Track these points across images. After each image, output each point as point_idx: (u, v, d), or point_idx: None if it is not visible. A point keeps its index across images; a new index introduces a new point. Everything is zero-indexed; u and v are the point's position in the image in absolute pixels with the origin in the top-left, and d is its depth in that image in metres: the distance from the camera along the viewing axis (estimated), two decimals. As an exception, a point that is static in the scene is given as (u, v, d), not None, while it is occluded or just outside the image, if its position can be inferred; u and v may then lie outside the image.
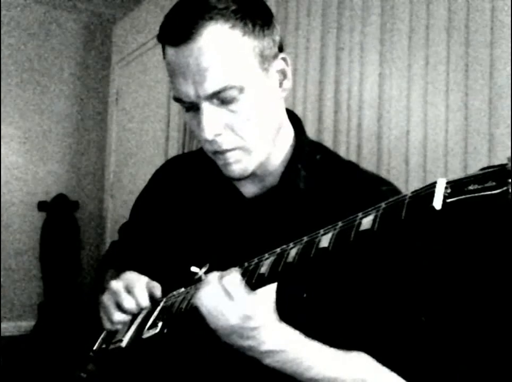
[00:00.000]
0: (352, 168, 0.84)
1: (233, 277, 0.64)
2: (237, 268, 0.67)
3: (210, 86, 0.70)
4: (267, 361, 0.67)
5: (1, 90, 3.78)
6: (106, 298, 0.80)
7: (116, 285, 0.79)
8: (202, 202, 0.88)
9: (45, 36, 4.01)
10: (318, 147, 0.88)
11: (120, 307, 0.78)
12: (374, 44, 2.05)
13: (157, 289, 0.77)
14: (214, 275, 0.66)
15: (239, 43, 0.71)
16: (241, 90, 0.71)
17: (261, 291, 0.64)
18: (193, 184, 0.91)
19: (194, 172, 0.92)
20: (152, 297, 0.78)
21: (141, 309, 0.79)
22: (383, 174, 1.90)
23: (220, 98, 0.71)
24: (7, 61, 3.82)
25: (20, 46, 3.89)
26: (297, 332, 0.69)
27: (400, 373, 0.69)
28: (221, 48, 0.70)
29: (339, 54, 2.20)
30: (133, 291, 0.77)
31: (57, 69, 4.07)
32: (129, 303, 0.77)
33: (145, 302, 0.77)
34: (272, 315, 0.67)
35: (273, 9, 2.52)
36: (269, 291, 0.65)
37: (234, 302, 0.63)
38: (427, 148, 1.80)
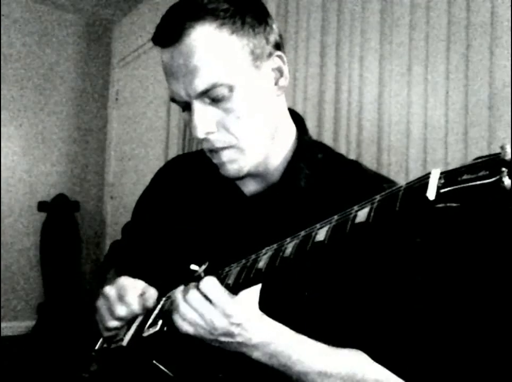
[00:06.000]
0: (354, 166, 0.84)
1: (210, 281, 0.66)
2: (203, 274, 0.69)
3: (198, 85, 0.71)
4: (256, 354, 0.68)
5: (1, 91, 3.78)
6: (100, 305, 0.81)
7: (109, 291, 0.80)
8: (203, 200, 0.88)
9: (45, 36, 4.01)
10: (320, 146, 0.88)
11: (113, 315, 0.79)
12: (374, 43, 2.05)
13: (150, 297, 0.77)
14: (181, 289, 0.69)
15: (227, 42, 0.72)
16: (230, 88, 0.72)
17: (243, 291, 0.66)
18: (194, 183, 0.92)
19: (196, 171, 0.92)
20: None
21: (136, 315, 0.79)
22: (383, 173, 1.90)
23: (211, 96, 0.73)
24: (7, 61, 3.82)
25: (20, 46, 3.90)
26: (285, 326, 0.69)
27: (395, 372, 0.70)
28: (208, 48, 0.71)
29: (339, 54, 2.20)
30: (125, 298, 0.78)
31: (57, 69, 4.07)
32: (122, 311, 0.78)
33: (137, 309, 0.78)
34: (256, 311, 0.68)
35: (273, 9, 2.53)
36: (252, 290, 0.67)
37: (215, 306, 0.65)
38: (427, 146, 1.80)
